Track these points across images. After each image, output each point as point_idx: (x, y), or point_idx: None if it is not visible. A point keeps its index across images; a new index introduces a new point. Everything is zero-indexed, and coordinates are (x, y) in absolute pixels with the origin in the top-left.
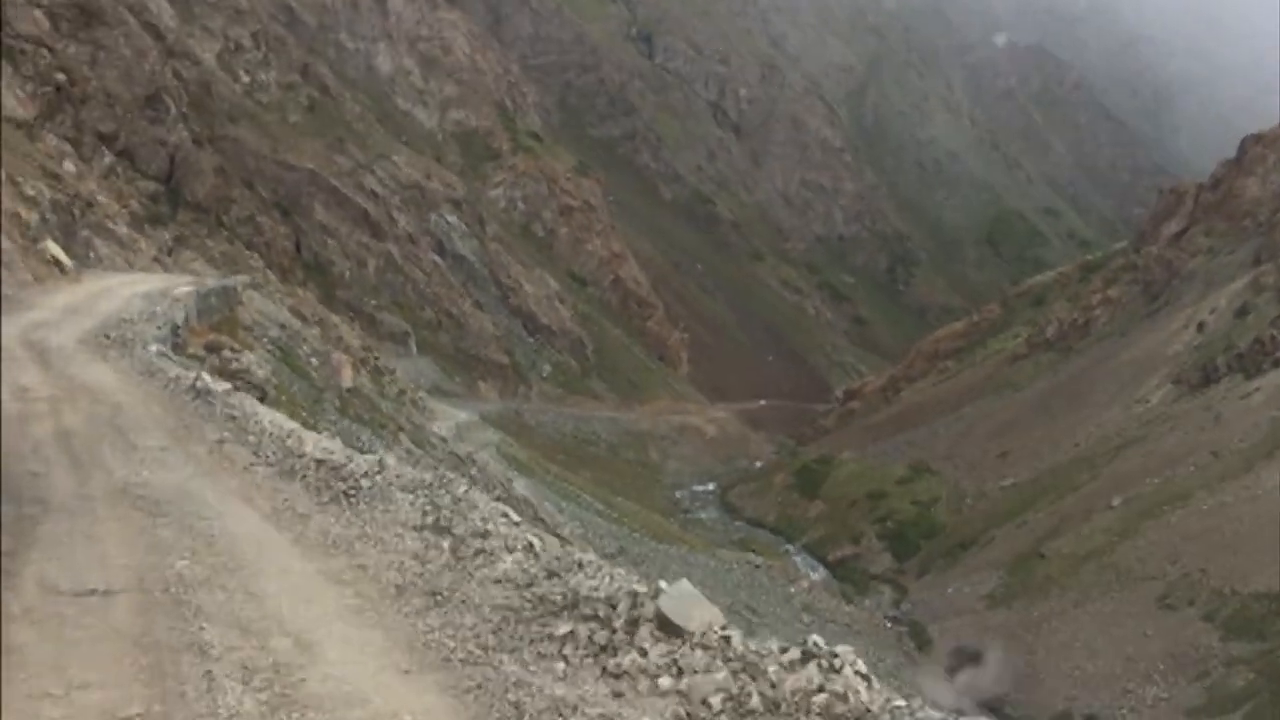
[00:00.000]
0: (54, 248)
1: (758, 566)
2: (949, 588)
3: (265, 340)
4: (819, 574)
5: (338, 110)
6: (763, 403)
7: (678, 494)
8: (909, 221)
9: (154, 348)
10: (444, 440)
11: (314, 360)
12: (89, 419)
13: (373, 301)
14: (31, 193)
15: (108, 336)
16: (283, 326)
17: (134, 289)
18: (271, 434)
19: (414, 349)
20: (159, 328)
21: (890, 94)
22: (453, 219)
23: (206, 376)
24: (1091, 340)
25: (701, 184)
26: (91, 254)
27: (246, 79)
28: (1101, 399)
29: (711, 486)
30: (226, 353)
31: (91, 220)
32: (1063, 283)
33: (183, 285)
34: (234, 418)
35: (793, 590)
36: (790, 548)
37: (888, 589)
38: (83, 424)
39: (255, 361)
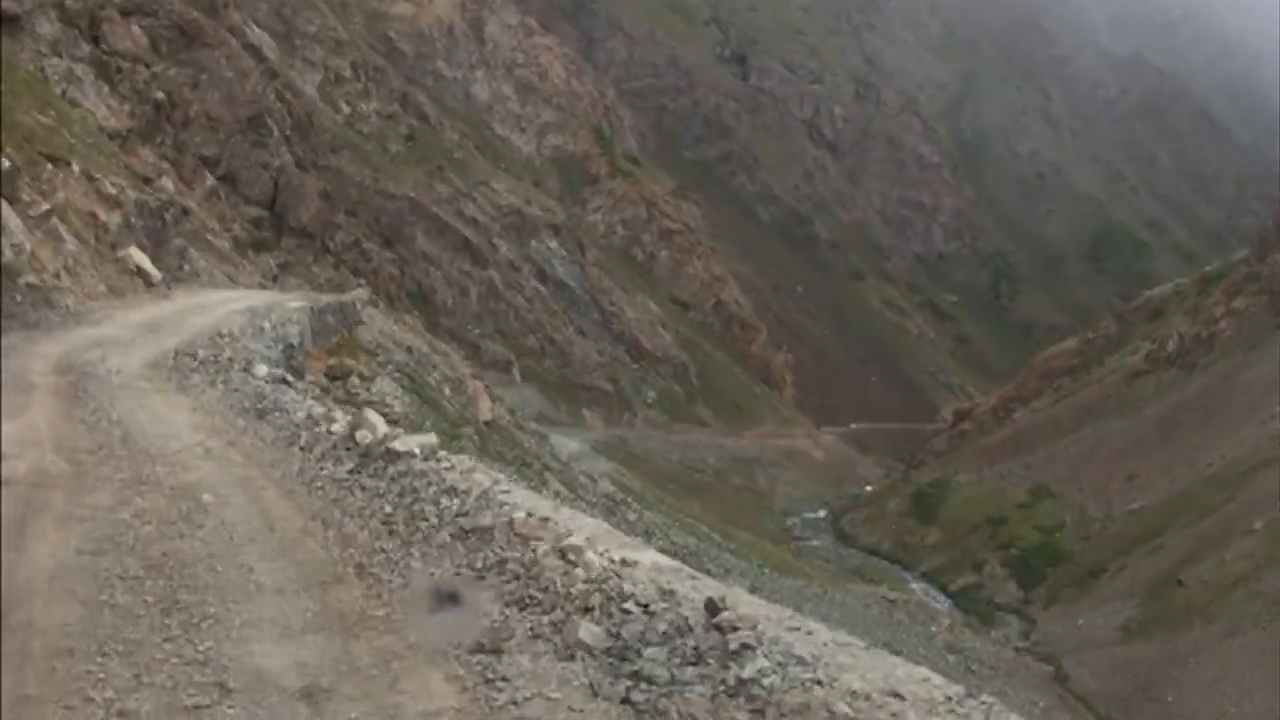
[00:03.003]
0: (138, 255)
1: (893, 602)
2: (1080, 618)
3: (390, 366)
4: (942, 604)
5: (436, 138)
6: (854, 426)
7: (789, 521)
8: (1010, 238)
9: (263, 369)
10: (593, 480)
11: (446, 389)
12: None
13: (475, 330)
14: (112, 190)
15: (193, 356)
16: (409, 350)
17: (235, 305)
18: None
19: (518, 377)
20: (267, 346)
21: (987, 108)
22: (553, 245)
23: (375, 419)
24: (1217, 355)
25: (799, 204)
26: (186, 267)
27: (347, 109)
28: (1232, 417)
29: (822, 513)
30: (354, 380)
31: (187, 230)
32: (1180, 296)
33: (293, 301)
34: (485, 534)
35: (934, 629)
36: (909, 576)
37: (1014, 619)
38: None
39: (389, 392)
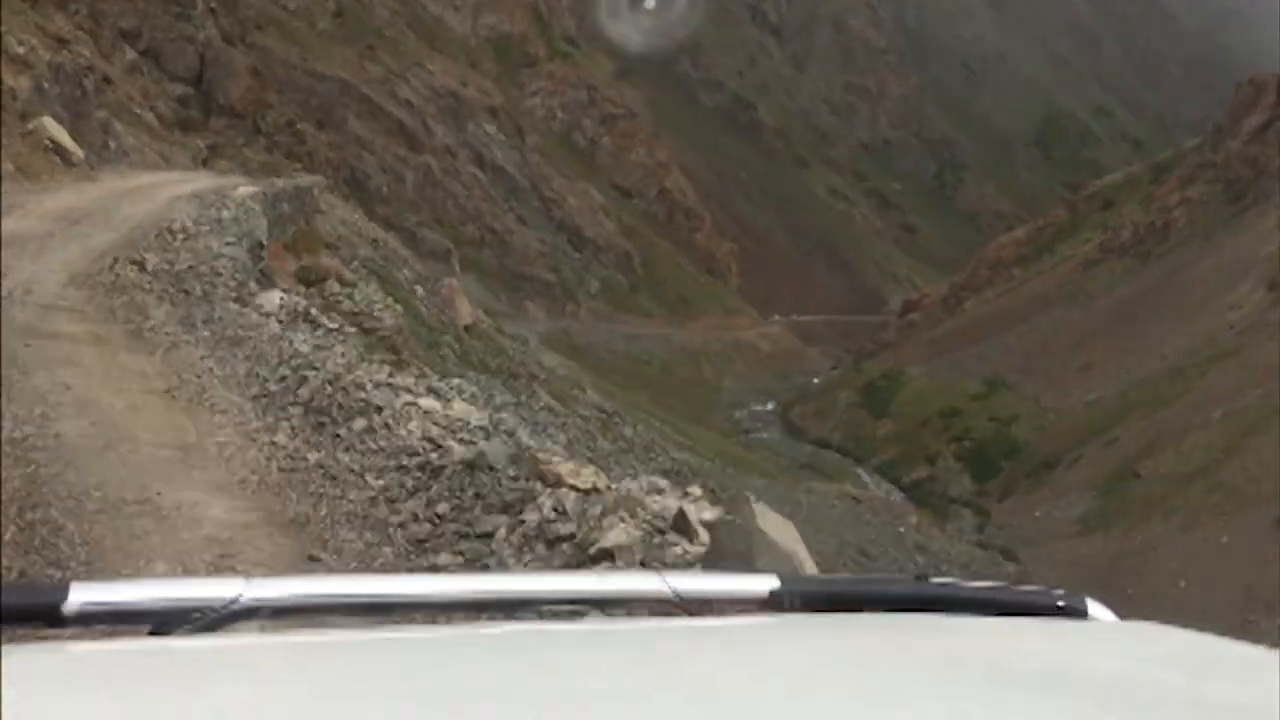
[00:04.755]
0: (53, 127)
1: (858, 501)
2: (1036, 511)
3: (355, 262)
4: (893, 497)
5: (366, 16)
6: (800, 317)
7: (736, 414)
8: (956, 125)
9: (275, 297)
10: (582, 391)
11: (419, 289)
12: None
13: (413, 218)
14: (20, 49)
15: (140, 265)
16: (375, 243)
17: (176, 189)
18: None
19: (457, 268)
20: (229, 243)
21: None
22: (491, 129)
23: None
24: (1172, 244)
25: (742, 90)
26: (112, 144)
27: None
28: (1189, 307)
29: (771, 405)
30: (333, 284)
31: (111, 101)
32: (1133, 184)
33: (243, 186)
34: None
35: (901, 529)
36: (861, 470)
37: (968, 513)
38: None
39: (376, 300)
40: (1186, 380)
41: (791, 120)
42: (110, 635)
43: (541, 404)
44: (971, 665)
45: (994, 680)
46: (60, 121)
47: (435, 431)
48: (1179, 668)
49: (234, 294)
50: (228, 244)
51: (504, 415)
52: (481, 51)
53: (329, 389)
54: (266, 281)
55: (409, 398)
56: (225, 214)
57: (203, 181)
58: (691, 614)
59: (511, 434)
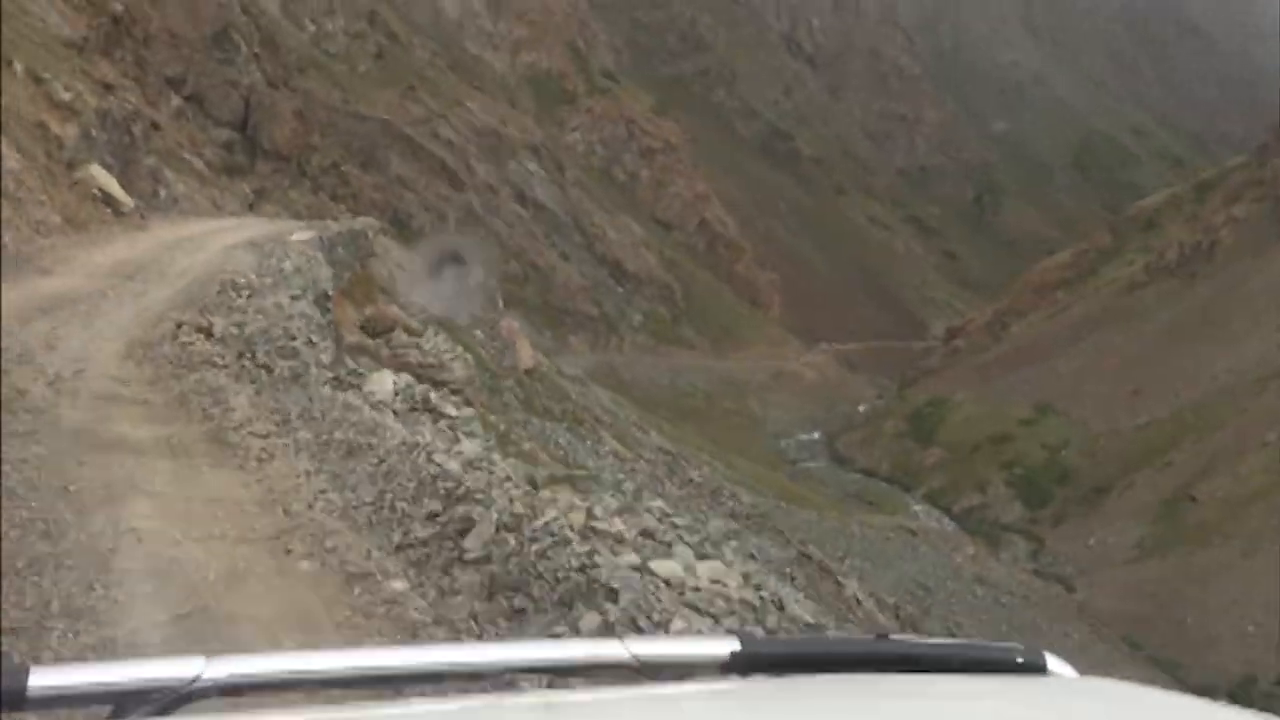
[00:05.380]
0: (102, 176)
1: (914, 533)
2: (1090, 538)
3: (411, 307)
4: (943, 525)
5: (407, 57)
6: (842, 346)
7: (782, 443)
8: (993, 149)
9: (387, 382)
10: (644, 433)
11: (478, 332)
12: None
13: (409, 253)
14: (67, 96)
15: (205, 330)
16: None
17: (230, 237)
18: None
19: (501, 304)
20: (293, 296)
21: (967, 18)
22: (532, 166)
23: None
24: (1219, 264)
25: (779, 120)
26: (162, 192)
27: (312, 28)
28: (1239, 327)
29: (816, 435)
30: (400, 335)
31: (159, 147)
32: (1176, 204)
33: (299, 232)
34: None
35: (958, 559)
36: (910, 498)
37: (1021, 540)
38: None
39: (444, 349)
40: (1238, 401)
41: (829, 148)
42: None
43: (607, 449)
44: None
45: None
46: (109, 169)
47: (702, 624)
48: None
49: (329, 373)
50: (293, 297)
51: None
52: (521, 89)
53: (511, 541)
54: (355, 350)
55: (631, 557)
56: (287, 264)
57: (256, 228)
58: (653, 679)
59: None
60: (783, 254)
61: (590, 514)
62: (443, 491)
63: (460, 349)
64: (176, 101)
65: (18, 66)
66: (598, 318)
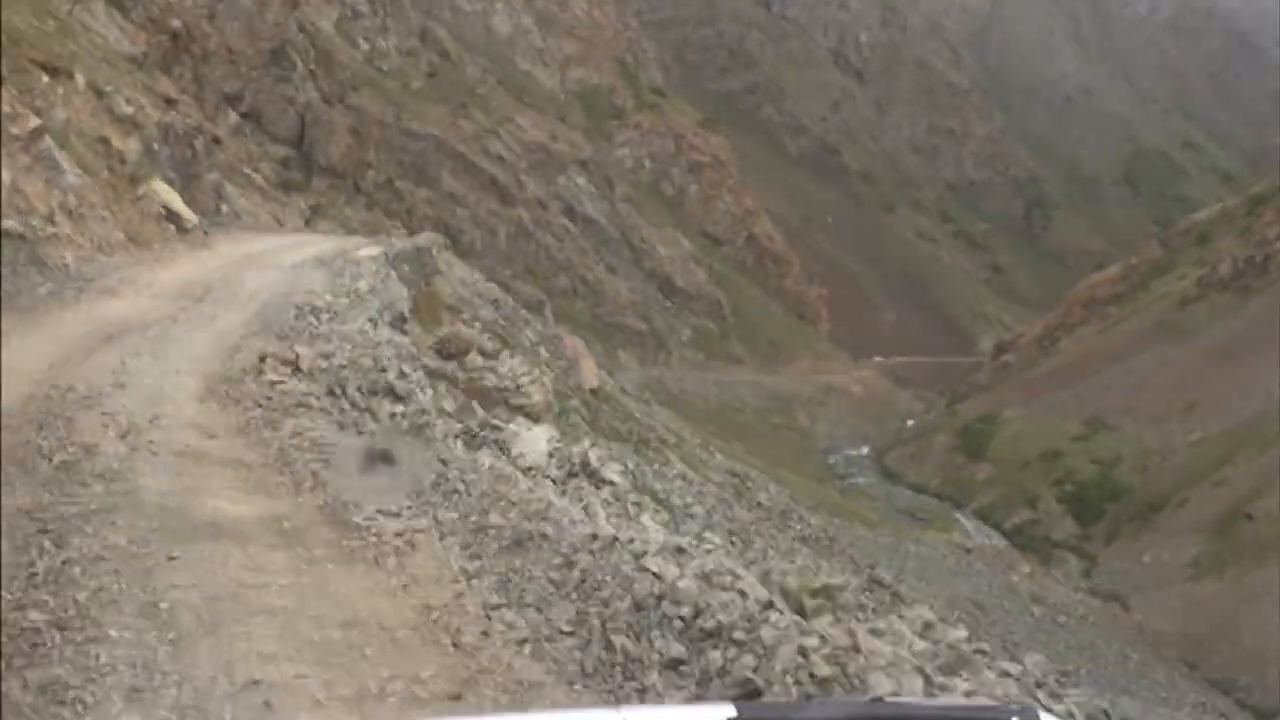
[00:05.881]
0: (165, 192)
1: (969, 551)
2: (1144, 555)
3: (478, 325)
4: (994, 542)
5: (459, 74)
6: (888, 359)
7: (831, 459)
8: (1042, 163)
9: (542, 440)
10: (710, 454)
11: (542, 350)
12: None
13: (506, 271)
14: (129, 110)
15: (290, 363)
16: (495, 303)
17: (296, 254)
18: None
19: (550, 319)
20: (371, 319)
21: (1015, 31)
22: (581, 181)
23: None
24: (1273, 278)
25: (827, 135)
26: (224, 207)
27: (365, 46)
28: None
29: (865, 450)
30: (476, 358)
31: (221, 162)
32: (1228, 217)
33: (365, 248)
34: None
35: (1015, 578)
36: (960, 515)
37: (1073, 557)
38: None
39: (521, 372)
40: None
41: (876, 163)
42: None
43: (675, 471)
44: None
45: None
46: (171, 184)
47: None
48: None
49: (456, 423)
50: (370, 320)
51: None
52: (570, 105)
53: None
54: (432, 375)
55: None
56: (361, 284)
57: (319, 244)
58: None
59: None
60: (831, 269)
61: (853, 638)
62: (679, 623)
63: (537, 372)
64: (234, 118)
65: (79, 79)
66: (646, 333)
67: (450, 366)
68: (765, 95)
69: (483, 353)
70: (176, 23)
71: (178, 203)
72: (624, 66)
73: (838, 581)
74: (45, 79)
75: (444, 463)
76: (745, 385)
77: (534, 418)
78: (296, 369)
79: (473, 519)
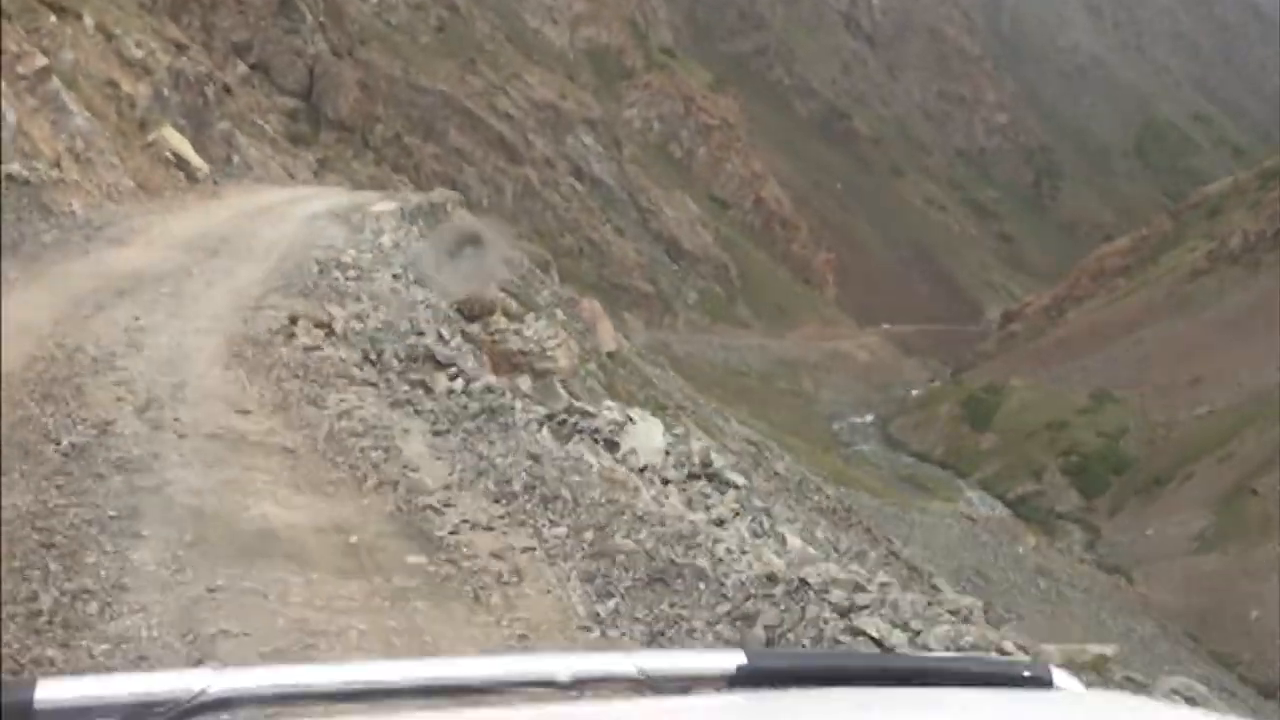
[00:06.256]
0: (175, 138)
1: (974, 521)
2: (1148, 528)
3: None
4: (998, 512)
5: (468, 30)
6: (896, 326)
7: (835, 426)
8: (1053, 132)
9: (659, 434)
10: (726, 420)
11: (558, 312)
12: None
13: (512, 229)
14: (139, 53)
15: (326, 327)
16: (510, 263)
17: (309, 207)
18: None
19: (556, 279)
20: (395, 275)
21: None
22: (589, 140)
23: None
24: None
25: (837, 99)
26: (235, 157)
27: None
28: None
29: (870, 417)
30: (500, 320)
31: (232, 111)
32: (1240, 190)
33: (380, 202)
34: None
35: (1020, 550)
36: (963, 484)
37: (1076, 529)
38: None
39: (546, 334)
40: None
41: (886, 128)
42: None
43: (694, 438)
44: None
45: None
46: (182, 132)
47: None
48: None
49: (539, 407)
50: (395, 277)
51: None
52: (580, 64)
53: None
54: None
55: None
56: (384, 239)
57: (333, 197)
58: (659, 693)
59: None
60: (838, 234)
61: None
62: None
63: (564, 334)
64: (242, 69)
65: (87, 20)
66: (652, 295)
67: (474, 328)
68: (775, 57)
69: (507, 314)
70: None
71: (188, 150)
72: (634, 26)
73: (1109, 651)
74: (52, 19)
75: (534, 459)
76: (751, 349)
77: (564, 382)
78: (330, 332)
79: (588, 537)
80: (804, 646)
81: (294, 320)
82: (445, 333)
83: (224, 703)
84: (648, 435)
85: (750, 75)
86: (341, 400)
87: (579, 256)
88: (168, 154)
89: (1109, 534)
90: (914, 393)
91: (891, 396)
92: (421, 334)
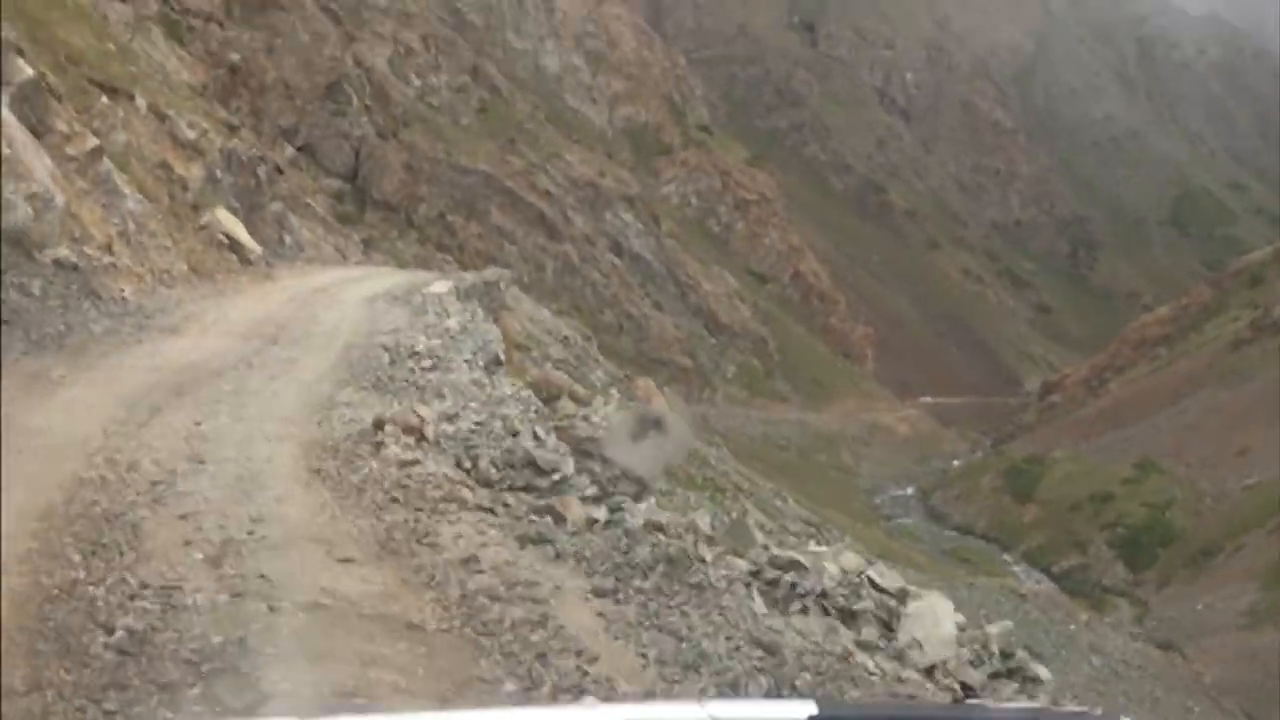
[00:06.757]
0: (229, 220)
1: (1023, 597)
2: (1198, 602)
3: (548, 364)
4: (1043, 585)
5: (509, 110)
6: (936, 400)
7: (876, 499)
8: (1088, 203)
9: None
10: (784, 500)
11: (614, 391)
12: None
13: (553, 306)
14: (191, 134)
15: (417, 432)
16: (565, 341)
17: (365, 288)
18: None
19: (596, 355)
20: (469, 360)
21: (1061, 71)
22: (628, 217)
23: None
24: None
25: (872, 173)
26: (287, 238)
27: (417, 82)
28: None
29: (910, 490)
30: (568, 404)
31: (284, 191)
32: None
33: (436, 283)
34: None
35: (1072, 627)
36: (1008, 557)
37: (1124, 603)
38: None
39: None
40: None
41: (922, 202)
42: None
43: (754, 522)
44: None
45: None
46: (234, 213)
47: None
48: None
49: (740, 562)
50: (466, 362)
51: None
52: (618, 142)
53: None
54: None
55: None
56: (450, 322)
57: (387, 278)
58: None
59: None
60: (876, 307)
61: None
62: None
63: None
64: (290, 151)
65: (140, 101)
66: (691, 369)
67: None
68: (811, 133)
69: (574, 398)
70: (235, 56)
71: (241, 232)
72: (671, 104)
73: None
74: (104, 100)
75: (766, 648)
76: (790, 423)
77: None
78: (421, 438)
79: None
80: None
81: (380, 425)
82: (540, 431)
83: None
84: (933, 617)
85: (786, 151)
86: (459, 536)
87: (619, 332)
88: (221, 236)
89: (1157, 608)
90: (955, 464)
91: (932, 469)
92: (516, 434)
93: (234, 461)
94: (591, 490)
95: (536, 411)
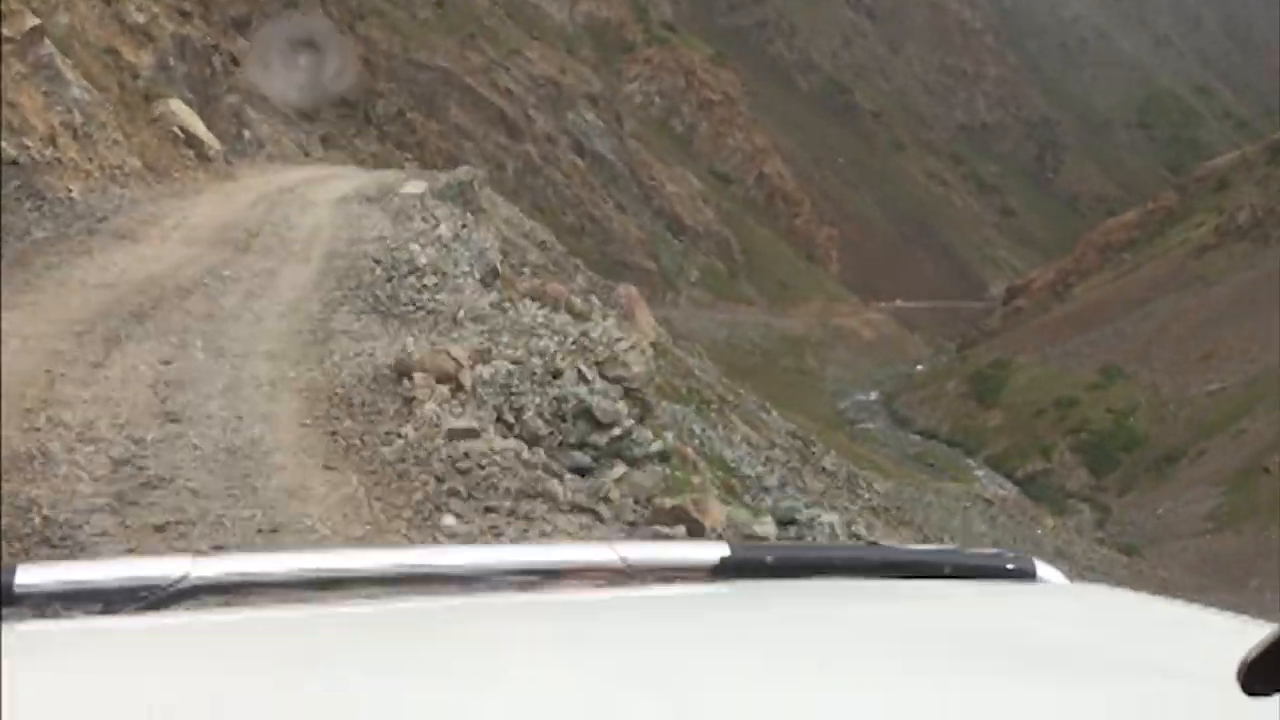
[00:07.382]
0: (184, 112)
1: (990, 502)
2: (1159, 507)
3: (526, 269)
4: (1006, 491)
5: (467, 5)
6: (901, 303)
7: (841, 404)
8: (1055, 106)
9: None
10: (768, 411)
11: (594, 298)
12: None
13: (514, 207)
14: (141, 19)
15: (452, 378)
16: (543, 246)
17: (333, 189)
18: None
19: (577, 261)
20: (466, 269)
21: None
22: (590, 116)
23: None
24: None
25: (838, 72)
26: (246, 133)
27: None
28: None
29: (875, 395)
30: (565, 314)
31: (241, 84)
32: (1248, 165)
33: (409, 183)
34: None
35: (1039, 531)
36: (971, 462)
37: (1087, 508)
38: None
39: (618, 336)
40: None
41: (888, 103)
42: (59, 615)
43: (739, 436)
44: (922, 629)
45: (944, 643)
46: (190, 105)
47: None
48: (1127, 631)
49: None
50: (466, 272)
51: None
52: (580, 39)
53: None
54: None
55: None
56: (442, 229)
57: (356, 178)
58: (641, 583)
59: None
60: (841, 209)
61: None
62: None
63: (637, 335)
64: (242, 43)
65: None
66: (654, 271)
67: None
68: (776, 31)
69: (572, 311)
70: None
71: (198, 126)
72: (633, 1)
73: None
74: None
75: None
76: (754, 326)
77: (638, 388)
78: (458, 387)
79: None
80: None
81: (406, 373)
82: (586, 370)
83: (203, 588)
84: None
85: (751, 50)
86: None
87: (580, 234)
88: (176, 130)
89: (1120, 513)
90: (919, 368)
91: (896, 373)
92: (558, 374)
93: (219, 422)
94: (656, 446)
95: (574, 343)
